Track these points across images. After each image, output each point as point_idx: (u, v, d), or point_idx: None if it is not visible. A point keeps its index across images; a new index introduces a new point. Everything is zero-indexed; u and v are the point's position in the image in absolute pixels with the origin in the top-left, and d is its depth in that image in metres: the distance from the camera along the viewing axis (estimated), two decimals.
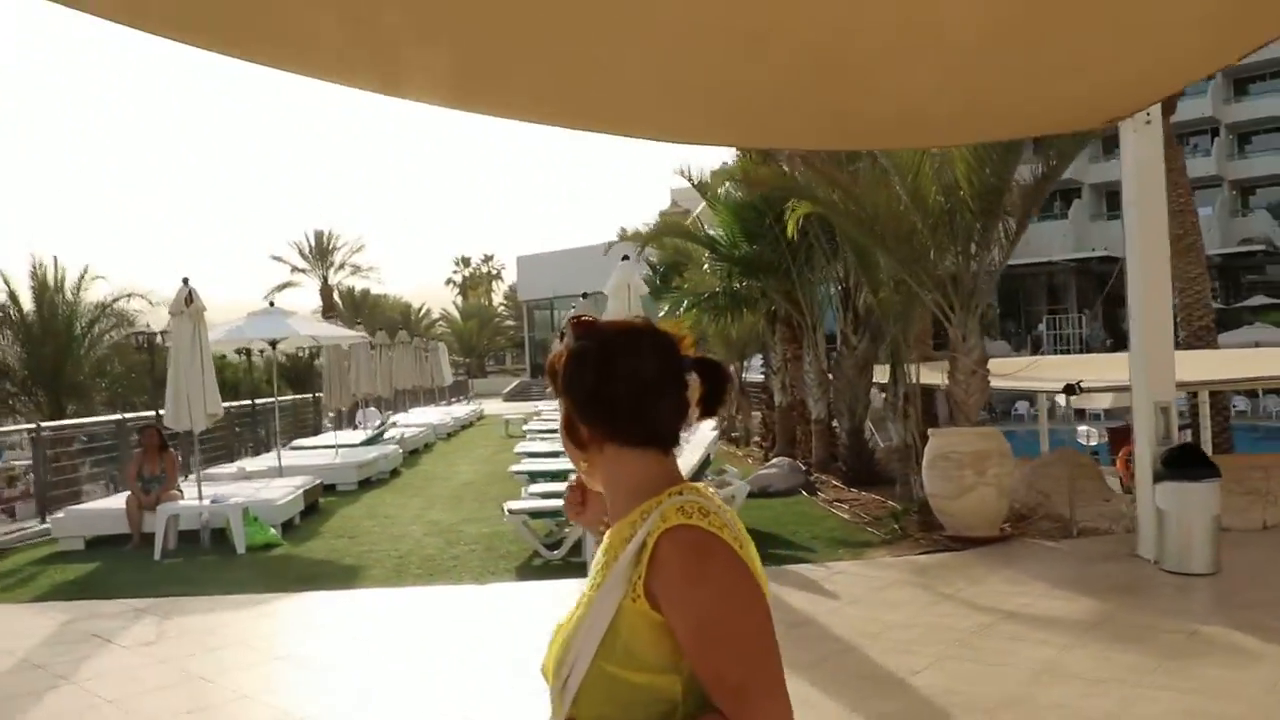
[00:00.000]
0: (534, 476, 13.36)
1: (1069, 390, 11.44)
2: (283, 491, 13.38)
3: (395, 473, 19.48)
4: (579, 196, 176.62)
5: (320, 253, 71.10)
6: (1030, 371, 15.27)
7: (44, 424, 16.15)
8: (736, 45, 2.92)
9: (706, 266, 17.98)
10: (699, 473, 10.48)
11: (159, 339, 22.05)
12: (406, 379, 29.16)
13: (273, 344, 17.47)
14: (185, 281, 12.36)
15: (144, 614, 8.87)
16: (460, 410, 35.86)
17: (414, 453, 23.73)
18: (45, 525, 13.55)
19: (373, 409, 27.45)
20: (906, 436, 12.59)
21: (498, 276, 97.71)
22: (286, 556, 11.43)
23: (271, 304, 19.35)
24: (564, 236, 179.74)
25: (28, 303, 27.39)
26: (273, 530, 12.21)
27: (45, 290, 27.51)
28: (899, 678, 6.28)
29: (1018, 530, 10.65)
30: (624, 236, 26.70)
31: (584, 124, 4.25)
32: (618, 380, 1.69)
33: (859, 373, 15.01)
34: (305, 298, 69.89)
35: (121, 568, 11.19)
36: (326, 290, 69.83)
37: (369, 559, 10.95)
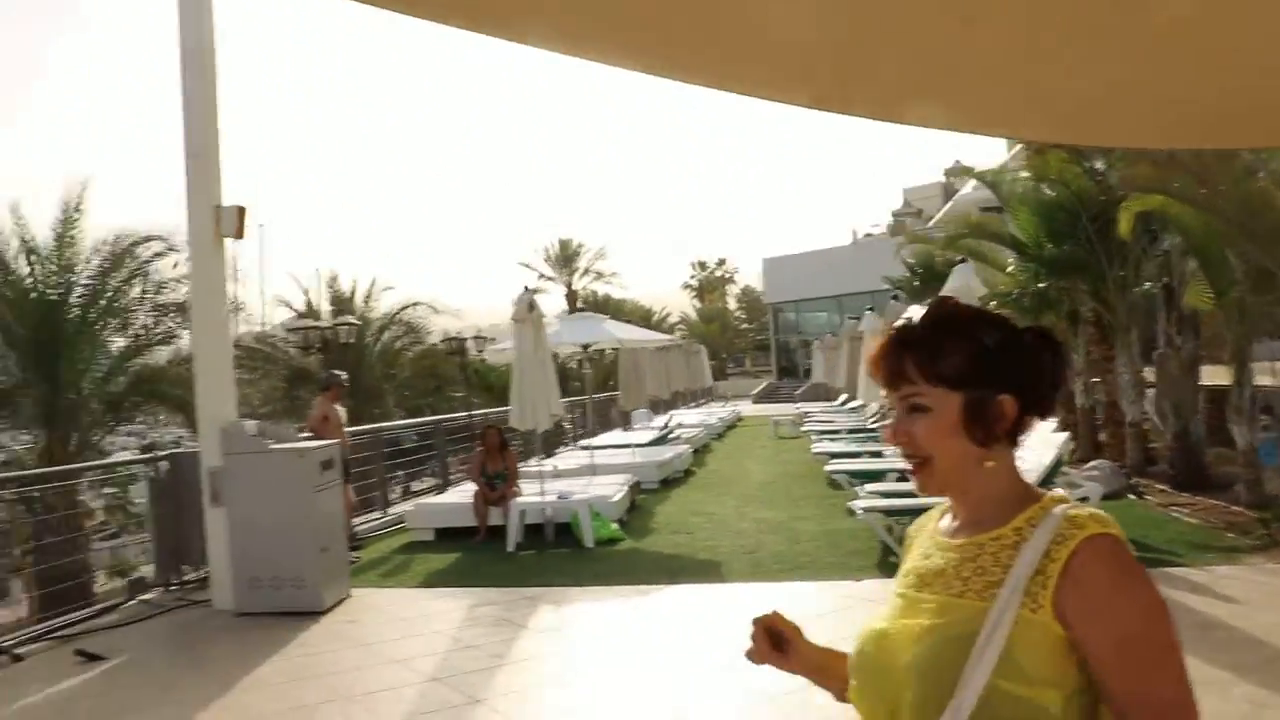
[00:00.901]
0: (855, 476, 13.55)
1: None
2: (614, 488, 13.92)
3: (689, 472, 19.89)
4: (806, 200, 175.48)
5: (565, 259, 73.32)
6: None
7: (369, 426, 17.23)
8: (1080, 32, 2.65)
9: (1011, 268, 17.75)
10: (1051, 475, 10.44)
11: (468, 344, 23.16)
12: (679, 381, 29.77)
13: (585, 348, 18.18)
14: (526, 289, 13.03)
15: (537, 601, 9.42)
16: (722, 411, 36.29)
17: (696, 453, 24.18)
18: (387, 516, 14.58)
19: (645, 410, 28.08)
20: (1253, 439, 12.21)
21: (731, 280, 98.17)
22: (634, 551, 11.87)
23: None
24: (793, 240, 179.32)
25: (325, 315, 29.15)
26: (614, 525, 12.72)
27: (341, 301, 29.27)
28: None
29: None
30: (901, 233, 26.44)
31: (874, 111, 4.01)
32: (1043, 372, 1.68)
33: (1185, 373, 14.60)
34: (551, 304, 72.14)
35: (481, 559, 11.86)
36: (571, 296, 71.80)
37: (719, 554, 11.27)
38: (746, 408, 44.13)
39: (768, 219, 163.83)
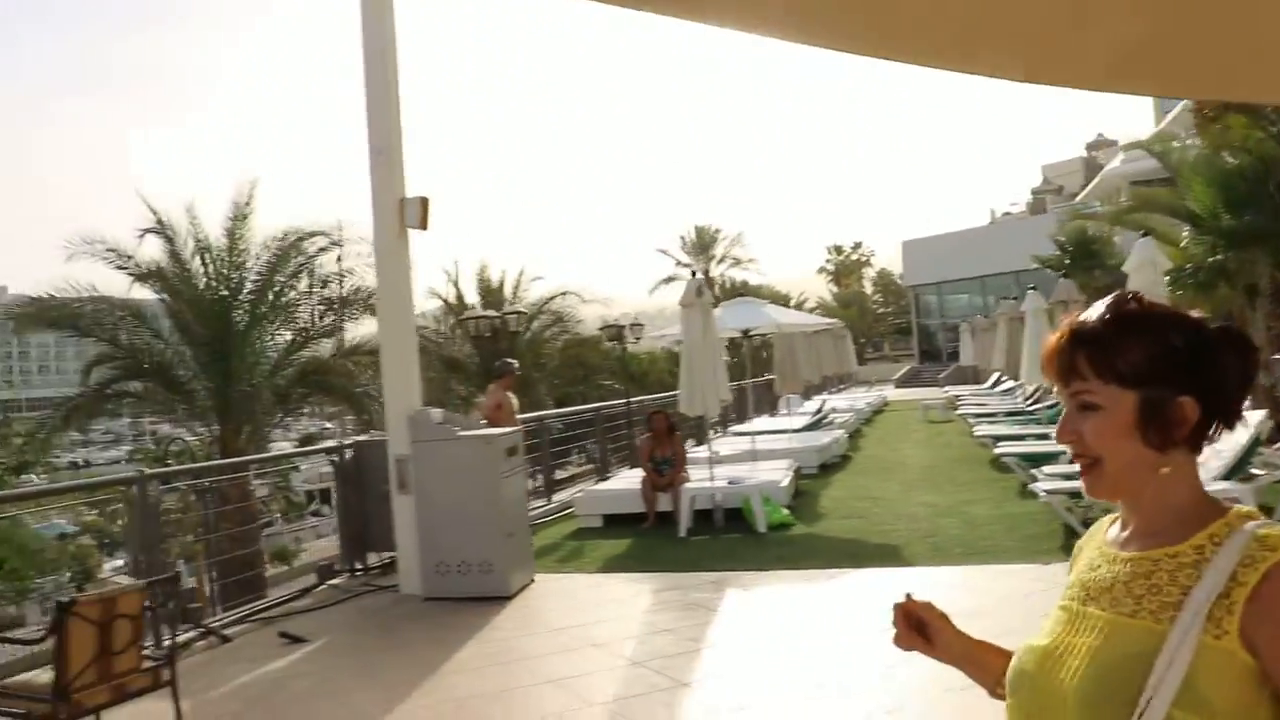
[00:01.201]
0: (1025, 459, 13.26)
1: None
2: (781, 473, 13.85)
3: (844, 457, 19.70)
4: (941, 181, 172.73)
5: (701, 246, 73.33)
6: None
7: (535, 414, 17.40)
8: None
9: (1185, 242, 17.15)
10: (1247, 455, 10.07)
11: (625, 331, 23.28)
12: (829, 365, 29.48)
13: (744, 333, 18.10)
14: (694, 274, 13.03)
15: (722, 585, 9.40)
16: (868, 396, 35.93)
17: (849, 437, 23.95)
18: (552, 504, 14.73)
19: (792, 395, 27.90)
20: None
21: (867, 263, 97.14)
22: (809, 536, 11.77)
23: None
24: (930, 222, 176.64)
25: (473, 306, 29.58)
26: (785, 510, 12.64)
27: (490, 292, 29.67)
28: None
29: None
30: (1042, 211, 25.81)
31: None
32: (1229, 375, 1.55)
33: None
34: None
35: (654, 544, 11.89)
36: (708, 283, 71.68)
37: (895, 538, 11.12)
38: (890, 392, 43.64)
39: (903, 201, 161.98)
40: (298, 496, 27.74)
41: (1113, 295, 1.63)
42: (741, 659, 7.21)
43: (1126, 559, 1.57)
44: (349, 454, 10.70)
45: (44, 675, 5.26)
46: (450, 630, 8.35)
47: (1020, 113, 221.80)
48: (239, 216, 18.15)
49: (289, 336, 19.23)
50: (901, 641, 1.96)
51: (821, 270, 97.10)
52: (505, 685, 6.86)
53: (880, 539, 11.16)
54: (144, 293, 18.46)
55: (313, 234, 18.54)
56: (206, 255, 18.17)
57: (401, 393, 9.58)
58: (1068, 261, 32.84)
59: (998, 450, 14.70)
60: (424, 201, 9.44)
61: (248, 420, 17.55)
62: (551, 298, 29.89)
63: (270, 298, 18.46)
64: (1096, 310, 1.61)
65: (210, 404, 17.88)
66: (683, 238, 73.89)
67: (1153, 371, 1.53)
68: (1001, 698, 1.72)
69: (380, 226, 9.51)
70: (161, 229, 17.82)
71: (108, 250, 17.32)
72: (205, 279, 18.15)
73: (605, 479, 16.19)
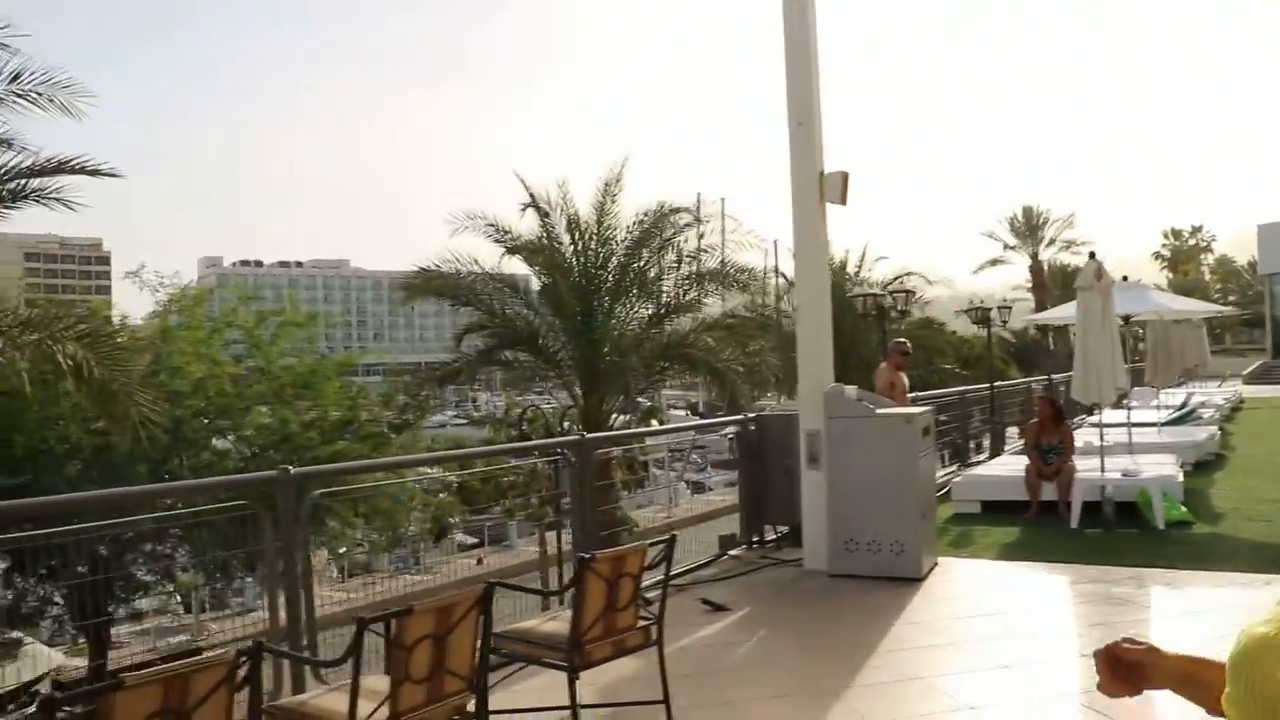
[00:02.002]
0: None
1: None
2: (1173, 468, 13.13)
3: (1218, 455, 18.49)
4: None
5: (1029, 229, 70.48)
6: None
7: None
8: None
9: None
10: None
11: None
12: (1191, 357, 27.84)
13: (1125, 319, 17.29)
14: (1092, 255, 12.48)
15: (1144, 582, 8.95)
16: (1226, 391, 33.74)
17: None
18: None
19: (1146, 388, 26.46)
20: None
21: (1207, 249, 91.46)
22: (1213, 536, 11.03)
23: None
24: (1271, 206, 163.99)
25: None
26: (1182, 507, 11.95)
27: (834, 271, 29.45)
28: None
29: None
30: None
31: None
32: None
33: None
34: (1014, 275, 69.64)
35: (1043, 534, 11.42)
36: (1036, 267, 69.05)
37: None
38: (1242, 388, 40.85)
39: (1243, 182, 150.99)
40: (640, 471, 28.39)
41: None
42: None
43: None
44: (752, 428, 10.79)
45: (545, 625, 5.50)
46: (871, 608, 8.29)
47: None
48: (608, 192, 18.70)
49: (649, 310, 19.66)
50: (1105, 689, 1.87)
51: (1156, 256, 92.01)
52: (953, 666, 6.74)
53: None
54: (515, 266, 19.33)
55: (676, 210, 18.90)
56: (576, 231, 18.81)
57: (815, 368, 9.56)
58: None
59: None
60: (844, 176, 9.37)
61: (623, 391, 18.09)
62: (896, 278, 29.41)
63: (634, 271, 18.93)
64: None
65: (576, 374, 18.54)
66: (1011, 219, 71.09)
67: None
68: (1220, 714, 1.65)
69: (799, 200, 9.48)
70: (536, 204, 18.60)
71: (488, 225, 18.25)
72: (574, 253, 18.80)
73: (981, 462, 15.80)
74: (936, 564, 9.69)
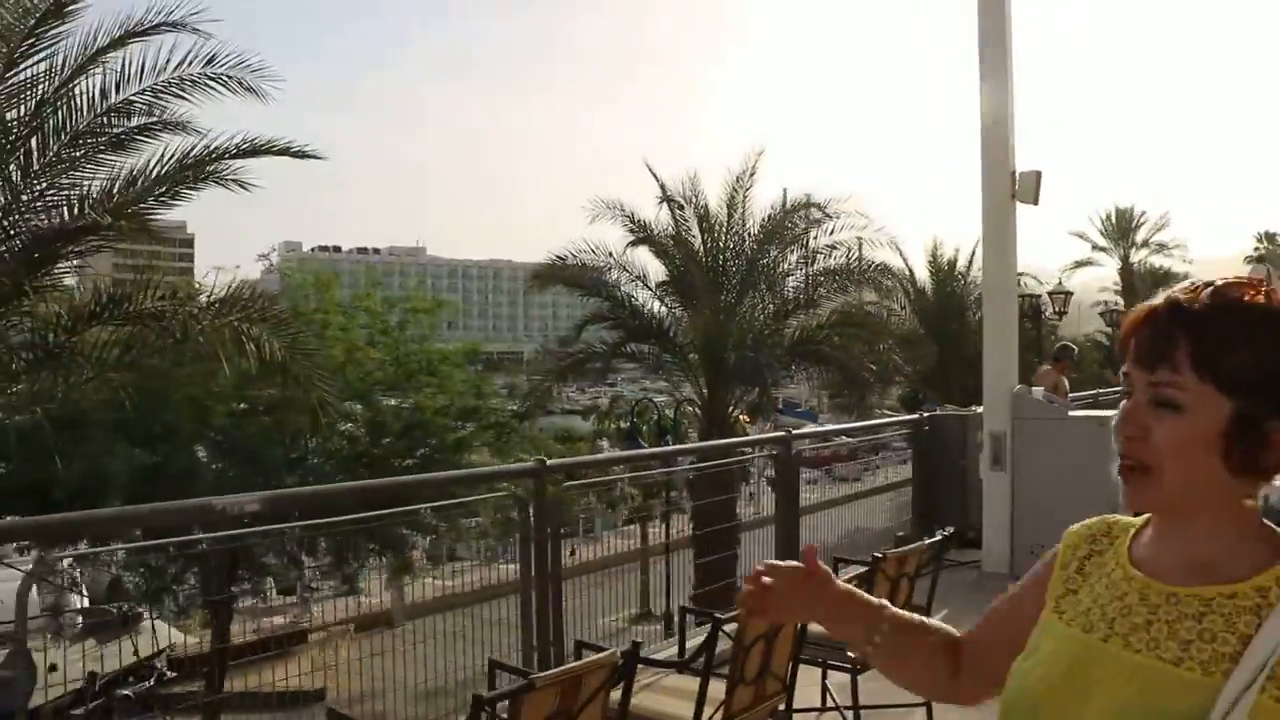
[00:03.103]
0: None
1: None
2: None
3: None
4: None
5: (1120, 230, 69.23)
6: None
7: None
8: None
9: None
10: None
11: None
12: None
13: None
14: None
15: None
16: None
17: None
18: None
19: None
20: None
21: None
22: None
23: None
24: None
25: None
26: None
27: (940, 271, 29.17)
28: None
29: None
30: None
31: None
32: None
33: None
34: (1103, 278, 68.46)
35: None
36: (1126, 270, 67.82)
37: None
38: None
39: None
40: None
41: (1233, 278, 1.33)
42: None
43: (1168, 593, 1.33)
44: (927, 428, 10.74)
45: None
46: None
47: None
48: (739, 185, 18.75)
49: (774, 306, 19.64)
50: (753, 606, 1.58)
51: (1248, 260, 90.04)
52: None
53: None
54: (641, 256, 19.39)
55: (807, 205, 18.87)
56: (705, 223, 18.86)
57: (1001, 368, 9.50)
58: None
59: None
60: (1038, 175, 9.29)
61: (757, 386, 18.10)
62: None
63: (763, 266, 18.94)
64: (1212, 291, 1.31)
65: (703, 368, 18.58)
66: (1101, 219, 69.89)
67: (1261, 382, 1.26)
68: (869, 656, 1.58)
69: (989, 198, 9.42)
70: (668, 197, 18.69)
71: (622, 214, 18.37)
72: (703, 245, 18.85)
73: None
74: None
